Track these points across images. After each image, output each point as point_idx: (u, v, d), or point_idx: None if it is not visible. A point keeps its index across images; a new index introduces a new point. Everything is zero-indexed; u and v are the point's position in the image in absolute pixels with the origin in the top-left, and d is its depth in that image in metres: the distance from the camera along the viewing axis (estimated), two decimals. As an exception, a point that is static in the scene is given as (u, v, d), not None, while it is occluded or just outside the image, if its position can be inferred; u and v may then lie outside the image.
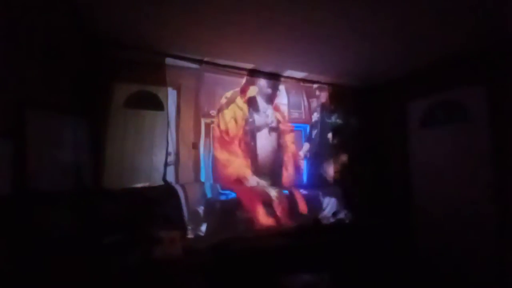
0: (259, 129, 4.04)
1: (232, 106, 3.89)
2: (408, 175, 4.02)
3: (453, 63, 3.44)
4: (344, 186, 4.16)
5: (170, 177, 3.24)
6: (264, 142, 4.06)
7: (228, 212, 3.50)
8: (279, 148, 4.15)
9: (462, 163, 3.38)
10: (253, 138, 4.00)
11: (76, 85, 2.63)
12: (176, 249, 2.55)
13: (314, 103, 4.42)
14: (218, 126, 3.82)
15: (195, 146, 3.51)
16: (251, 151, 3.96)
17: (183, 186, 3.29)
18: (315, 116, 4.40)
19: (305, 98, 4.39)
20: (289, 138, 4.23)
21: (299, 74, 4.06)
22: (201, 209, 3.39)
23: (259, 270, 2.78)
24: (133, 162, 3.16)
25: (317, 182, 4.26)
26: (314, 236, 3.30)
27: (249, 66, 3.71)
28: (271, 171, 4.07)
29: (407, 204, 3.98)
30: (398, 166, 4.15)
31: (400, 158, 4.12)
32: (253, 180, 3.88)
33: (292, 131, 4.28)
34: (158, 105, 3.37)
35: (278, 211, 3.71)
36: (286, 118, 4.26)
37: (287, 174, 4.17)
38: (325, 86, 4.36)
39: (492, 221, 3.08)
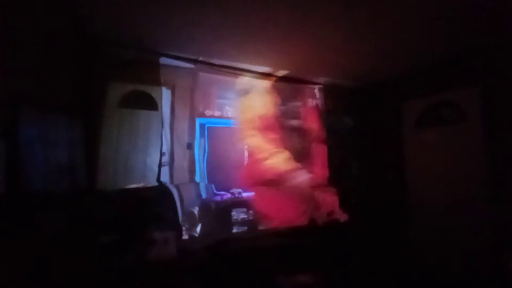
0: (286, 122, 4.06)
1: (256, 90, 3.94)
2: (404, 175, 4.03)
3: (448, 64, 3.46)
4: (340, 186, 4.18)
5: (165, 178, 3.21)
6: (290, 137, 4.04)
7: (223, 212, 3.50)
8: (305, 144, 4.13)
9: (458, 163, 3.39)
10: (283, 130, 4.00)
11: (70, 84, 2.60)
12: (171, 250, 2.53)
13: (310, 103, 4.42)
14: (248, 110, 3.86)
15: (190, 146, 3.49)
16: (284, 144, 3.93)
17: (177, 187, 3.27)
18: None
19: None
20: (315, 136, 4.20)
21: (296, 74, 4.03)
22: (196, 210, 3.38)
23: (254, 270, 2.78)
24: (127, 163, 3.13)
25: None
26: (310, 236, 3.30)
27: (245, 65, 3.67)
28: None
29: (403, 204, 3.99)
30: (394, 166, 4.16)
31: (396, 158, 4.13)
32: (301, 175, 3.80)
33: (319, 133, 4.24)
34: (152, 104, 3.35)
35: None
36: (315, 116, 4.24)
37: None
38: (321, 86, 4.36)
39: (488, 221, 3.09)
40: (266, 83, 4.00)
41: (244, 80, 3.90)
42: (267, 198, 3.72)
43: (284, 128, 4.01)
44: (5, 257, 1.56)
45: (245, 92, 3.92)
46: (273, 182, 3.70)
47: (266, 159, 3.71)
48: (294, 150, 3.94)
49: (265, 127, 3.83)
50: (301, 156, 3.99)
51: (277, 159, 3.74)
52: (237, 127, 3.94)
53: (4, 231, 1.57)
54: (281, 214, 3.63)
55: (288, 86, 4.13)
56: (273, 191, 3.72)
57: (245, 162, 4.04)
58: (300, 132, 4.13)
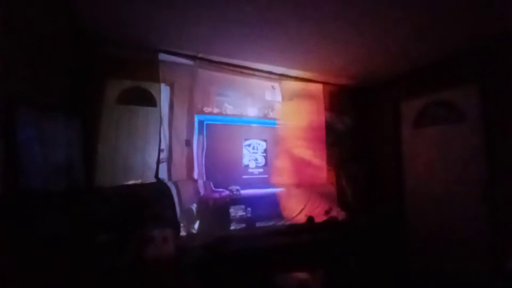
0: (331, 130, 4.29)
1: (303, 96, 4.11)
2: (402, 174, 4.03)
3: (446, 63, 3.45)
4: (338, 185, 4.20)
5: (163, 175, 3.21)
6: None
7: (221, 209, 3.50)
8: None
9: (456, 162, 3.39)
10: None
11: (68, 82, 2.59)
12: (169, 247, 2.54)
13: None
14: (294, 116, 4.06)
15: (189, 143, 3.49)
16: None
17: (176, 184, 3.27)
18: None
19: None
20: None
21: (294, 73, 4.03)
22: (194, 207, 3.38)
23: (253, 268, 2.79)
24: (126, 160, 3.13)
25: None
26: (308, 234, 3.32)
27: (244, 63, 3.66)
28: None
29: (400, 203, 3.99)
30: (393, 166, 4.15)
31: (394, 157, 4.12)
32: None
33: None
34: (151, 101, 3.34)
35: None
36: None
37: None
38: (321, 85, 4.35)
39: (488, 221, 3.08)
40: (313, 88, 4.17)
41: (291, 85, 4.04)
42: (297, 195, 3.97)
43: (329, 137, 4.23)
44: (4, 257, 1.56)
45: (291, 97, 4.06)
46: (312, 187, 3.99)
47: (311, 169, 4.00)
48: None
49: (312, 137, 4.07)
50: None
51: (320, 172, 4.05)
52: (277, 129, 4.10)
53: (3, 231, 1.57)
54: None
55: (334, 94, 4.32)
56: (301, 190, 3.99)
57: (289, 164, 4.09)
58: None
